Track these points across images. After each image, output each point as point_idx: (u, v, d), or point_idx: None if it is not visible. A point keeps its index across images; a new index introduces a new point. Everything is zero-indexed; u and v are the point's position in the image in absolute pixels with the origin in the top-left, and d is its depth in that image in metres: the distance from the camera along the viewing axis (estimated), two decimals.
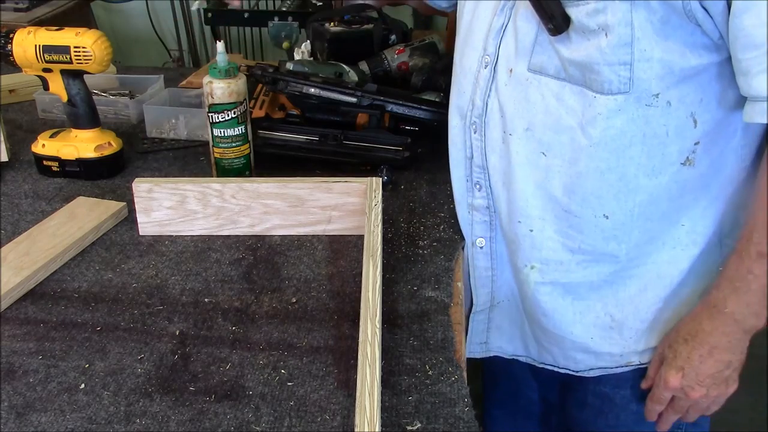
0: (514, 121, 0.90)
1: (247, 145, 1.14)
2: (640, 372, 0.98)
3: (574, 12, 0.78)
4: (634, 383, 1.00)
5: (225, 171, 1.14)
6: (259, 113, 1.26)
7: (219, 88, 1.07)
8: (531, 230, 0.93)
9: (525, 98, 0.87)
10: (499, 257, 1.02)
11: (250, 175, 1.16)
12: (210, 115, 1.09)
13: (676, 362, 0.90)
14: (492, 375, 1.36)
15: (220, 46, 1.08)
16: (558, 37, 0.80)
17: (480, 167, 0.97)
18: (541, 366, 1.06)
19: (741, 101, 0.80)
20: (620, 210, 0.87)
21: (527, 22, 0.84)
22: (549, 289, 0.96)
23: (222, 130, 1.10)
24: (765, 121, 0.75)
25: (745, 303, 0.82)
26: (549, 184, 0.89)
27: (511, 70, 0.88)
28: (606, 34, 0.76)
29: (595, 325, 0.96)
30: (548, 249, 0.93)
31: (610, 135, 0.82)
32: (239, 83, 1.09)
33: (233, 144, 1.12)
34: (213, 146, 1.13)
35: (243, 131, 1.12)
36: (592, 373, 1.00)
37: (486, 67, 0.92)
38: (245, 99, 1.10)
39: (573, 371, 1.02)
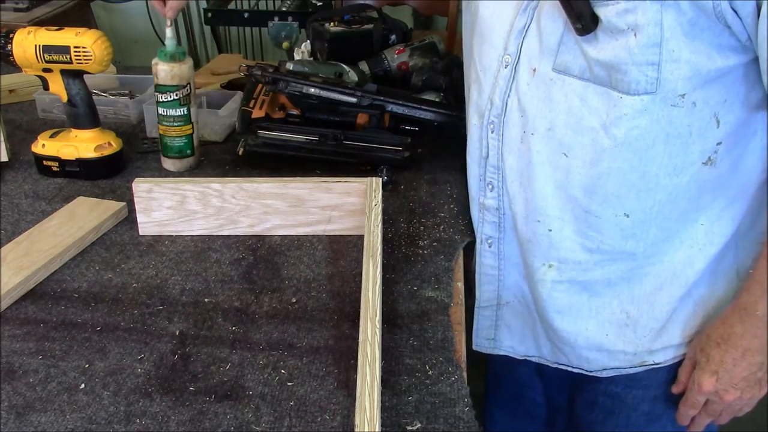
0: (535, 121, 0.89)
1: (189, 126, 1.20)
2: (653, 372, 0.98)
3: (602, 11, 0.78)
4: (646, 383, 1.00)
5: (168, 148, 1.22)
6: (259, 113, 1.26)
7: (163, 71, 1.14)
8: (550, 230, 0.93)
9: (548, 98, 0.87)
10: (506, 258, 1.02)
11: (192, 155, 1.23)
12: (156, 94, 1.17)
13: (709, 366, 0.90)
14: (495, 375, 1.36)
15: (169, 31, 1.14)
16: (585, 36, 0.80)
17: (494, 167, 0.97)
18: (554, 366, 1.06)
19: (763, 102, 0.80)
20: (640, 208, 0.87)
21: (553, 21, 0.84)
22: (566, 287, 0.96)
23: (165, 110, 1.17)
24: None
25: None
26: (569, 184, 0.89)
27: (534, 70, 0.88)
28: (635, 34, 0.76)
29: (611, 321, 0.96)
30: (566, 249, 0.93)
31: (634, 135, 0.82)
32: (183, 68, 1.14)
33: (175, 123, 1.18)
34: (158, 123, 1.20)
35: (185, 113, 1.18)
36: (605, 374, 1.00)
37: (506, 66, 0.91)
38: (189, 83, 1.16)
39: (586, 371, 1.02)
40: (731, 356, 0.87)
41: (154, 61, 1.14)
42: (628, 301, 0.95)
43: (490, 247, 1.02)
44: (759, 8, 0.71)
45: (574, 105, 0.85)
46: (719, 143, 0.83)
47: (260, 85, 1.30)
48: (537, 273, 0.98)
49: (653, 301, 0.94)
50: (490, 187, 0.99)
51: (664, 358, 0.97)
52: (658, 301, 0.94)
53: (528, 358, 1.10)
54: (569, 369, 1.04)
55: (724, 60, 0.77)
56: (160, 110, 1.18)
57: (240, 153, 1.19)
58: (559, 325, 0.99)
